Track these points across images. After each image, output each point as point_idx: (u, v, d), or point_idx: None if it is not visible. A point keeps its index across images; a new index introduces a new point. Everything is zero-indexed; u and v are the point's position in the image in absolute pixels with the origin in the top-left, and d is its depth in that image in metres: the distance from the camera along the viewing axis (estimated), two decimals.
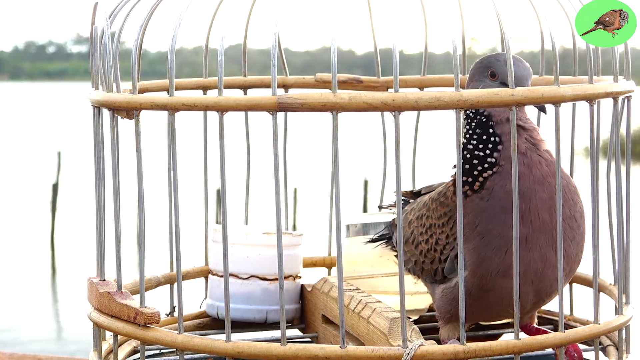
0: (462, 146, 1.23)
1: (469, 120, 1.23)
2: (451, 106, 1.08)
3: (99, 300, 1.23)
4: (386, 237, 1.44)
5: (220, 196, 1.12)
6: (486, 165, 1.21)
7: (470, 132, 1.23)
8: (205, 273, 1.50)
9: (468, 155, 1.22)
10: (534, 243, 1.20)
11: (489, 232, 1.20)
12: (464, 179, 1.21)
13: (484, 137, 1.22)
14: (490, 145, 1.21)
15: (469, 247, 1.20)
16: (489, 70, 1.23)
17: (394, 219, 1.42)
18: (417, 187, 1.43)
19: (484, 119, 1.22)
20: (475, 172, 1.21)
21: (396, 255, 1.42)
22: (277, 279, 1.41)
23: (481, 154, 1.22)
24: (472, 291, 1.21)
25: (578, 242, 1.23)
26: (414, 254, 1.31)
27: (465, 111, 1.23)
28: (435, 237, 1.27)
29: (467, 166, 1.22)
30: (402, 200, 1.40)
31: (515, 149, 1.11)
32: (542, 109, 1.17)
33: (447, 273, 1.26)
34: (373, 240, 1.45)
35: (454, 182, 1.25)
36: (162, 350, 1.37)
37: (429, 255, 1.28)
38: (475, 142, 1.22)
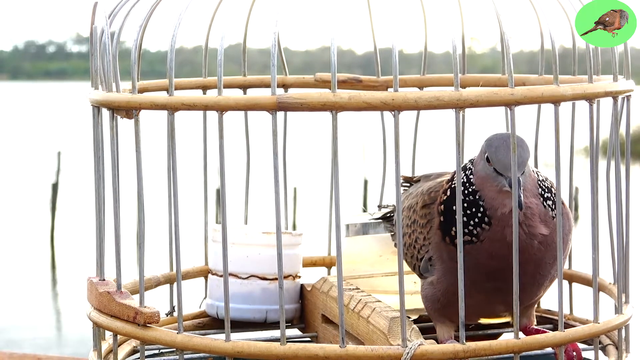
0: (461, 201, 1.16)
1: (467, 176, 1.19)
2: (451, 105, 1.08)
3: (98, 300, 1.23)
4: (386, 215, 1.44)
5: (220, 196, 1.12)
6: (476, 222, 1.18)
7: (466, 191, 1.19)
8: (205, 273, 1.50)
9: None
10: (509, 289, 1.14)
11: (465, 273, 1.12)
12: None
13: (473, 209, 1.18)
14: (476, 219, 1.18)
15: (439, 269, 1.22)
16: (485, 154, 1.18)
17: None
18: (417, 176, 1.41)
19: (476, 196, 1.18)
20: (468, 228, 1.18)
21: (393, 236, 1.42)
22: (276, 279, 1.41)
23: (470, 219, 1.18)
24: (440, 298, 1.23)
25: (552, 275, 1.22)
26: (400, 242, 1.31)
27: (465, 171, 1.20)
28: (416, 234, 1.26)
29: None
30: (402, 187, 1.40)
31: (515, 161, 1.11)
32: None
33: (422, 271, 1.26)
34: (375, 219, 1.45)
35: (448, 180, 1.23)
36: (161, 350, 1.37)
37: (410, 250, 1.28)
38: (466, 204, 1.18)
